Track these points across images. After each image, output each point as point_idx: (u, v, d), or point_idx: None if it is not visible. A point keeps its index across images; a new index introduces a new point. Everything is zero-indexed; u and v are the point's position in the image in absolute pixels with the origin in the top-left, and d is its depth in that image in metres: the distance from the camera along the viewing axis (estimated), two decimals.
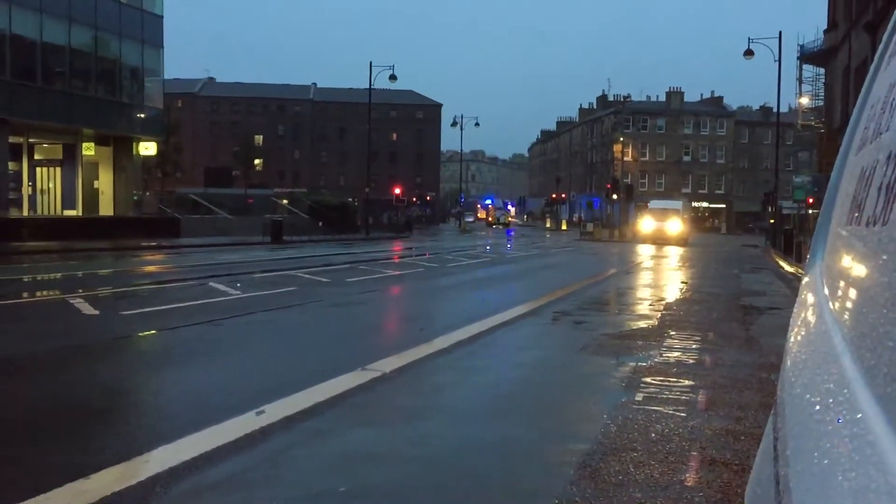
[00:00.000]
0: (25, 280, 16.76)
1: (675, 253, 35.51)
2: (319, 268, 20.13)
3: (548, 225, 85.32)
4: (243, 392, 6.37)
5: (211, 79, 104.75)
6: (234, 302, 12.66)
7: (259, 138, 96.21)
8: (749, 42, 37.29)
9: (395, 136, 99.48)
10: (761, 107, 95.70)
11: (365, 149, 56.60)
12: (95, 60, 35.45)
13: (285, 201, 53.53)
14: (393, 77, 46.64)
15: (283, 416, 5.41)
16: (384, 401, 6.14)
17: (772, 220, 44.34)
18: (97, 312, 11.00)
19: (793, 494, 0.73)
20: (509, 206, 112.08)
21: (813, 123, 45.52)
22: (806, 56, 43.69)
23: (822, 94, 43.19)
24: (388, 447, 4.93)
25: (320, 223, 44.80)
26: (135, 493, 3.90)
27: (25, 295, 14.53)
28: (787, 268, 24.91)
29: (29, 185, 34.57)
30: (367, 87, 49.70)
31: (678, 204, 50.85)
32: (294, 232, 38.53)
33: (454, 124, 73.08)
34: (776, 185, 40.96)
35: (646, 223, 47.22)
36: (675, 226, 45.65)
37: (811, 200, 39.26)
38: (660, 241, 43.54)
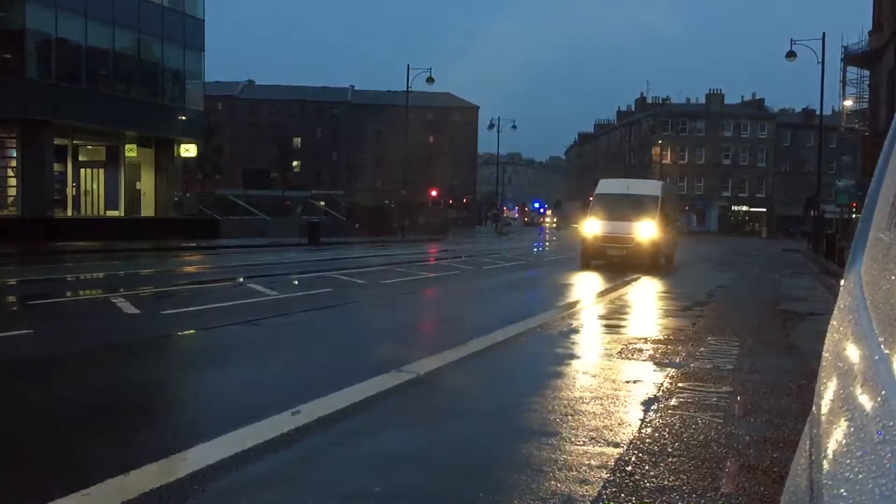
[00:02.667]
0: (69, 279, 17.10)
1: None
2: (355, 269, 20.24)
3: None
4: (279, 391, 6.43)
5: (250, 82, 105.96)
6: (271, 302, 12.79)
7: (297, 140, 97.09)
8: (791, 44, 36.73)
9: (431, 138, 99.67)
10: (804, 109, 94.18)
11: (402, 151, 56.91)
12: (138, 63, 36.07)
13: (322, 203, 53.97)
14: (430, 79, 46.79)
15: (318, 416, 5.45)
16: (418, 402, 6.16)
17: (813, 225, 43.50)
18: (138, 311, 11.18)
19: (825, 499, 0.73)
20: (542, 209, 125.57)
21: (857, 126, 44.68)
22: (850, 58, 42.88)
23: (867, 96, 42.36)
24: (422, 449, 4.94)
25: (357, 225, 45.08)
26: (174, 489, 3.96)
27: (69, 294, 14.83)
28: (829, 273, 24.46)
29: (73, 186, 35.26)
30: (405, 89, 49.91)
31: (654, 186, 26.77)
32: (331, 233, 38.81)
33: (491, 127, 73.09)
34: (819, 189, 40.25)
35: (591, 226, 24.00)
36: (647, 230, 23.17)
37: (854, 205, 38.55)
38: (618, 257, 23.22)
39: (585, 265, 23.18)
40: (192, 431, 5.20)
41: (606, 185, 25.85)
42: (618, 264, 22.78)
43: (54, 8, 30.87)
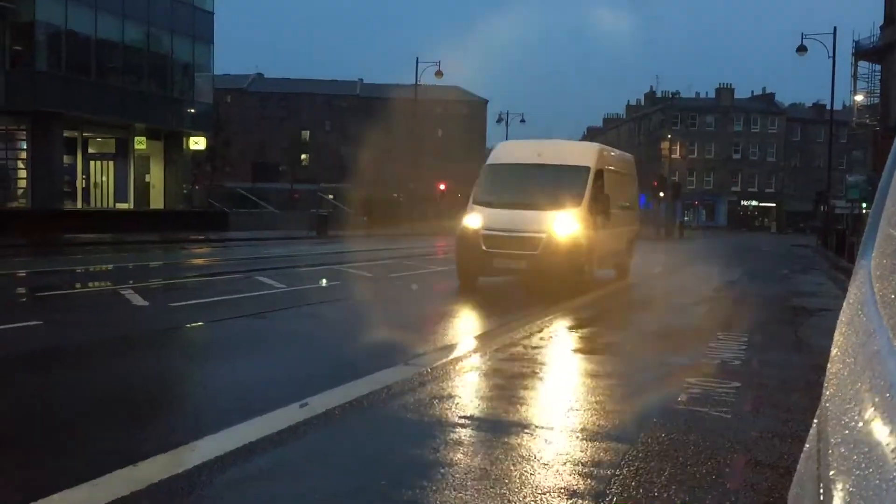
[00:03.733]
0: (78, 271, 17.17)
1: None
2: (364, 262, 20.27)
3: None
4: (287, 384, 6.45)
5: (259, 74, 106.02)
6: (279, 295, 12.82)
7: (306, 133, 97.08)
8: (802, 38, 36.56)
9: (440, 131, 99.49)
10: (814, 104, 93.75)
11: (410, 144, 56.88)
12: (148, 56, 36.16)
13: (331, 196, 54.08)
14: (439, 73, 46.77)
15: (326, 408, 5.46)
16: (425, 397, 6.15)
17: (823, 221, 43.36)
18: (147, 303, 11.22)
19: (833, 496, 0.73)
20: None
21: (868, 121, 44.44)
22: (861, 52, 42.64)
23: (878, 91, 42.12)
24: (429, 443, 4.94)
25: (365, 218, 45.15)
26: (181, 480, 3.97)
27: (78, 286, 14.90)
28: (839, 269, 24.38)
29: (83, 179, 35.42)
30: (414, 83, 49.88)
31: (586, 152, 16.15)
32: (339, 226, 38.86)
33: (500, 120, 73.00)
34: (829, 184, 40.11)
35: (472, 219, 14.44)
36: (565, 224, 14.01)
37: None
38: (515, 272, 14.66)
39: (465, 287, 14.48)
40: (199, 423, 5.22)
41: (506, 152, 16.41)
42: (512, 286, 14.82)
43: (64, 1, 30.96)
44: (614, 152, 18.73)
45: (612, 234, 16.12)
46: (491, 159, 16.18)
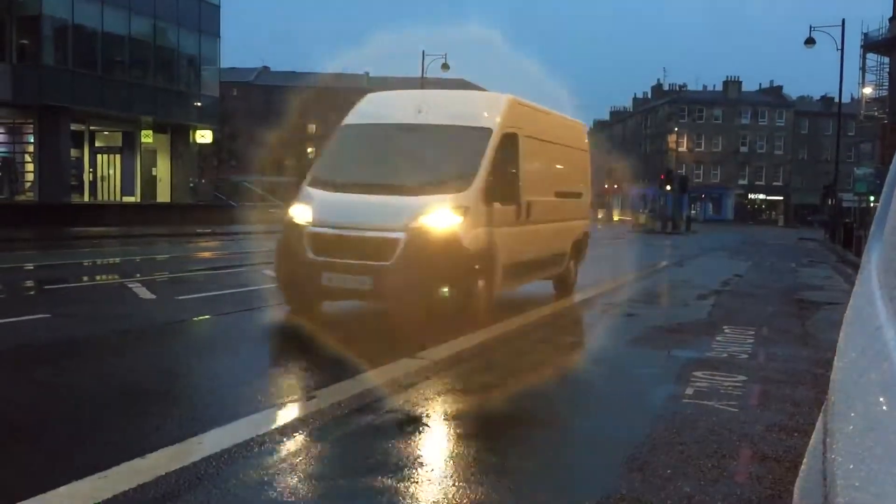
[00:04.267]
0: (85, 264, 17.22)
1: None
2: None
3: (599, 216, 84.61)
4: (295, 377, 6.47)
5: (266, 68, 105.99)
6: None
7: (312, 127, 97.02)
8: (811, 30, 36.35)
9: None
10: (822, 97, 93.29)
11: None
12: (154, 50, 36.20)
13: None
14: (445, 66, 46.65)
15: (334, 401, 5.47)
16: (432, 391, 6.17)
17: (831, 214, 43.22)
18: (154, 297, 11.25)
19: (839, 489, 0.73)
20: None
21: (876, 114, 44.22)
22: (870, 45, 42.41)
23: (887, 84, 41.91)
24: (438, 439, 4.95)
25: None
26: (189, 473, 3.99)
27: (86, 279, 14.95)
28: (846, 262, 24.31)
29: (90, 172, 35.53)
30: (420, 75, 49.80)
31: (491, 104, 10.62)
32: None
33: None
34: (836, 178, 39.95)
35: (300, 209, 9.30)
36: (439, 216, 8.78)
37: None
38: (356, 296, 9.23)
39: (298, 312, 9.56)
40: (207, 416, 5.24)
41: (373, 107, 11.44)
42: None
43: None
44: (544, 112, 12.41)
45: (540, 233, 11.16)
46: (349, 118, 11.11)
